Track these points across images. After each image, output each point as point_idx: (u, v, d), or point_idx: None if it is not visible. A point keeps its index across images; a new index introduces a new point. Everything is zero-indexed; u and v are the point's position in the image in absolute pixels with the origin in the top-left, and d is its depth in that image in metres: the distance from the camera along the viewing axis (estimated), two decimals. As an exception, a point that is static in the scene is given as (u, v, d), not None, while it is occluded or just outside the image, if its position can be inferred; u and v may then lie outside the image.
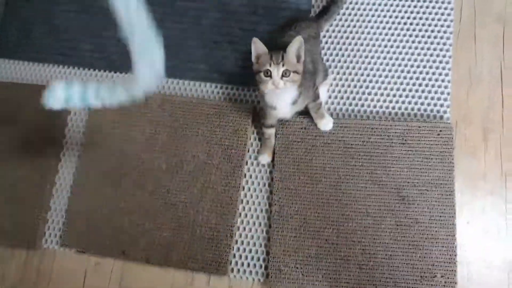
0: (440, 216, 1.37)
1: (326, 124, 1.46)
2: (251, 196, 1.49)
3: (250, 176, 1.51)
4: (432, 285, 1.33)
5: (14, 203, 1.57)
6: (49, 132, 1.62)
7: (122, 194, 1.52)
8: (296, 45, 1.21)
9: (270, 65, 1.20)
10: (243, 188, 1.50)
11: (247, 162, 1.52)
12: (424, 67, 1.54)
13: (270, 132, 1.46)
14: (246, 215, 1.48)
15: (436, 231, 1.36)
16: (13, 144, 1.63)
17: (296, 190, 1.44)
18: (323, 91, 1.50)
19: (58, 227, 1.55)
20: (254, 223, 1.47)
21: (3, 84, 1.72)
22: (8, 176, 1.60)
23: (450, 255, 1.34)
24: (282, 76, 1.20)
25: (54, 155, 1.60)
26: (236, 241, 1.46)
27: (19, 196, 1.57)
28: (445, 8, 1.58)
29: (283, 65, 1.19)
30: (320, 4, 1.64)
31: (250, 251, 1.45)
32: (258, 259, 1.44)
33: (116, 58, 1.69)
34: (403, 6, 1.60)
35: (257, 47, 1.24)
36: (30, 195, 1.57)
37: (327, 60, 1.58)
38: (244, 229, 1.47)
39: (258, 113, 1.54)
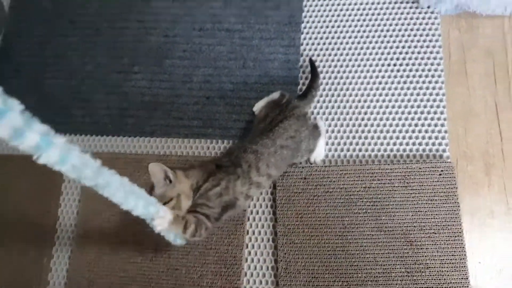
0: (451, 259, 1.39)
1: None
2: (256, 254, 1.51)
3: (253, 233, 1.54)
4: (450, 332, 1.34)
5: (11, 279, 1.58)
6: (44, 202, 1.65)
7: (122, 262, 1.54)
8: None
9: None
10: (247, 246, 1.52)
11: (248, 218, 1.55)
12: (419, 106, 1.60)
13: None
14: (252, 274, 1.49)
15: (448, 275, 1.38)
16: (7, 218, 1.66)
17: (302, 244, 1.47)
18: (322, 145, 1.55)
19: (58, 302, 1.56)
20: (261, 282, 1.48)
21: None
22: (3, 251, 1.63)
23: (465, 299, 1.36)
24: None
25: (50, 226, 1.63)
26: (244, 302, 1.48)
27: (16, 271, 1.59)
28: (433, 46, 1.66)
29: None
30: (308, 53, 1.72)
31: (259, 311, 1.46)
32: (268, 319, 1.46)
33: (107, 121, 1.75)
34: (391, 48, 1.68)
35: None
36: (27, 269, 1.59)
37: (326, 107, 1.64)
38: (251, 288, 1.48)
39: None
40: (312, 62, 1.60)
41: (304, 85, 1.68)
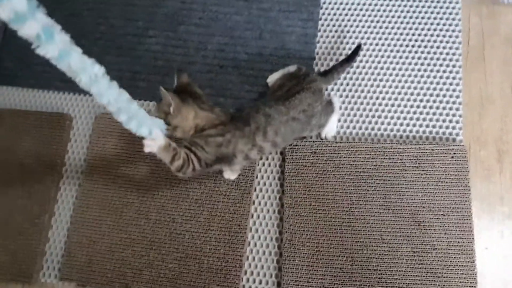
0: (458, 242, 1.38)
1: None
2: (261, 224, 1.50)
3: (259, 203, 1.52)
4: (453, 314, 1.33)
5: (10, 235, 1.56)
6: (49, 159, 1.63)
7: (124, 223, 1.53)
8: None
9: None
10: (252, 215, 1.51)
11: (255, 189, 1.53)
12: (435, 89, 1.58)
13: None
14: (255, 244, 1.48)
15: (454, 257, 1.37)
16: (11, 173, 1.63)
17: (308, 217, 1.45)
18: (334, 121, 1.53)
19: (57, 259, 1.54)
20: (264, 252, 1.47)
21: (2, 111, 1.74)
22: (5, 206, 1.60)
23: (470, 282, 1.35)
24: None
25: (54, 184, 1.60)
26: (246, 272, 1.46)
27: (16, 227, 1.57)
28: (453, 31, 1.64)
29: None
30: (326, 28, 1.69)
31: (261, 282, 1.45)
32: (269, 290, 1.44)
33: (118, 84, 1.72)
34: (410, 29, 1.66)
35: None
36: (27, 226, 1.57)
37: (341, 84, 1.62)
38: (254, 258, 1.47)
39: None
40: (358, 47, 1.54)
41: (320, 60, 1.66)
